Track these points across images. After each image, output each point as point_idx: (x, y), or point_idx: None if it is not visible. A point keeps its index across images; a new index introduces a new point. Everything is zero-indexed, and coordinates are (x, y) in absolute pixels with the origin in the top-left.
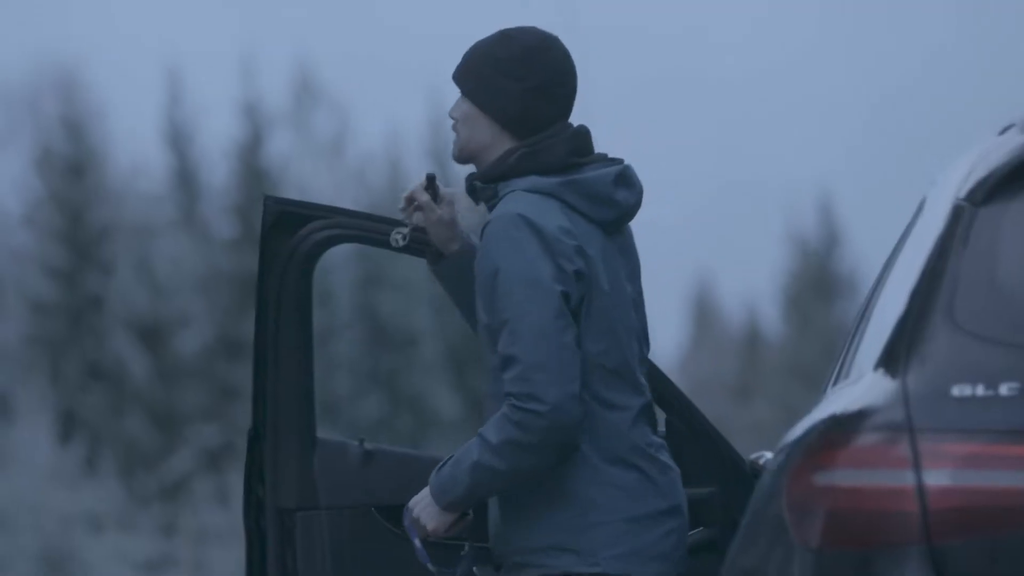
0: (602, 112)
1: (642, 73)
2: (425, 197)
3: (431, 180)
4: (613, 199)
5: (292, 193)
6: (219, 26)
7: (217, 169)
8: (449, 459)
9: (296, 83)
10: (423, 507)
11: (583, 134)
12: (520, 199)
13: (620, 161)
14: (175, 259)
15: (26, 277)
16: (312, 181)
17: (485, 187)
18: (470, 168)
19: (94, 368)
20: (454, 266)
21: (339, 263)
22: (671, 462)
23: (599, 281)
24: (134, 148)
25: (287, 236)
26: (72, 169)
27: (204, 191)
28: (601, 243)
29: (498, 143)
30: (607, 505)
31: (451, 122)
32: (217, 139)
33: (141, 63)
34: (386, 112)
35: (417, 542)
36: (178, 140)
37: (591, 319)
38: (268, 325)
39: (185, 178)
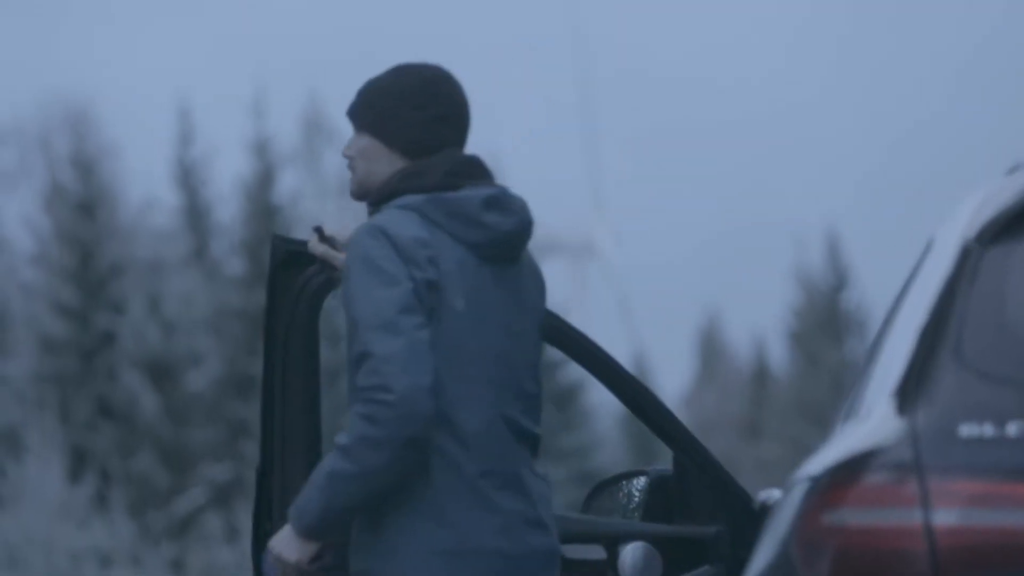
0: (616, 154)
1: (655, 116)
2: (321, 248)
3: (320, 232)
4: (480, 220)
5: (302, 231)
6: (230, 64)
7: (227, 207)
8: None
9: (306, 121)
10: (283, 540)
11: (469, 159)
12: (384, 214)
13: (500, 186)
14: (185, 296)
15: (37, 314)
16: (322, 219)
17: (374, 210)
18: None
19: (104, 405)
20: None
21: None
22: (520, 500)
23: (450, 298)
24: (145, 186)
25: (295, 275)
26: (83, 206)
27: (214, 229)
28: (467, 264)
29: (392, 169)
30: (422, 535)
31: (350, 161)
32: (227, 177)
33: (152, 101)
34: None
35: None
36: (188, 178)
37: (438, 335)
38: (276, 363)
39: (195, 216)
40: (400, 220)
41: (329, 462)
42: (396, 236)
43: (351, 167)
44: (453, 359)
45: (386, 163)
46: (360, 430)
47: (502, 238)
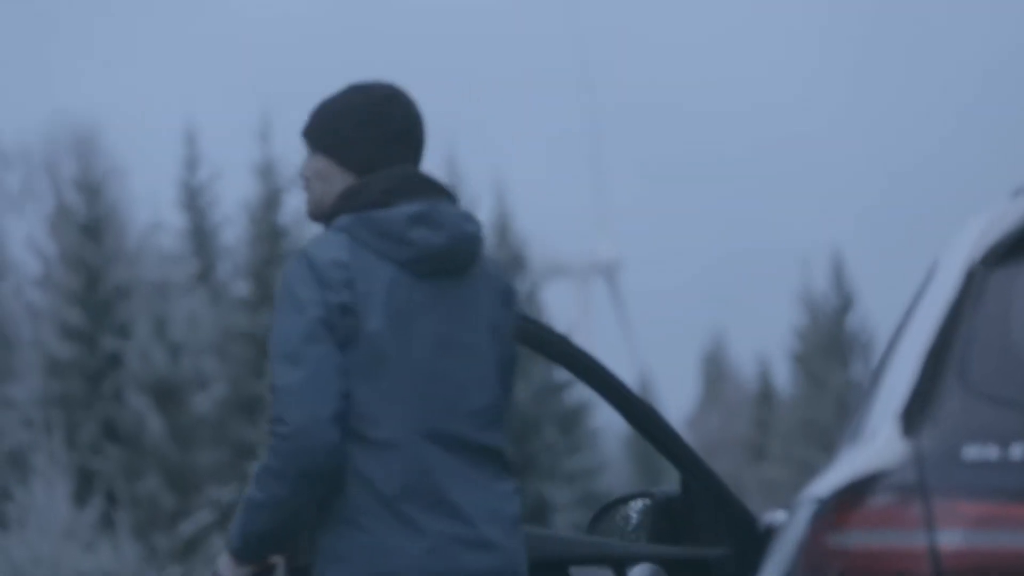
0: (625, 182)
1: (664, 145)
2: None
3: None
4: (406, 237)
5: None
6: (235, 87)
7: (233, 229)
8: None
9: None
10: (223, 564)
11: (408, 175)
12: (314, 237)
13: (432, 202)
14: (191, 319)
15: (43, 337)
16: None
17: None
18: None
19: (110, 427)
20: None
21: None
22: (453, 520)
23: (369, 319)
24: (150, 208)
25: None
26: (89, 229)
27: (220, 251)
28: (399, 282)
29: (340, 186)
30: (346, 558)
31: (306, 182)
32: (233, 199)
33: (158, 124)
34: None
35: None
36: (194, 200)
37: (356, 356)
38: None
39: (201, 238)
40: (324, 243)
41: (248, 489)
42: (314, 259)
43: (307, 188)
44: (373, 379)
45: (340, 183)
46: (264, 460)
47: (431, 254)
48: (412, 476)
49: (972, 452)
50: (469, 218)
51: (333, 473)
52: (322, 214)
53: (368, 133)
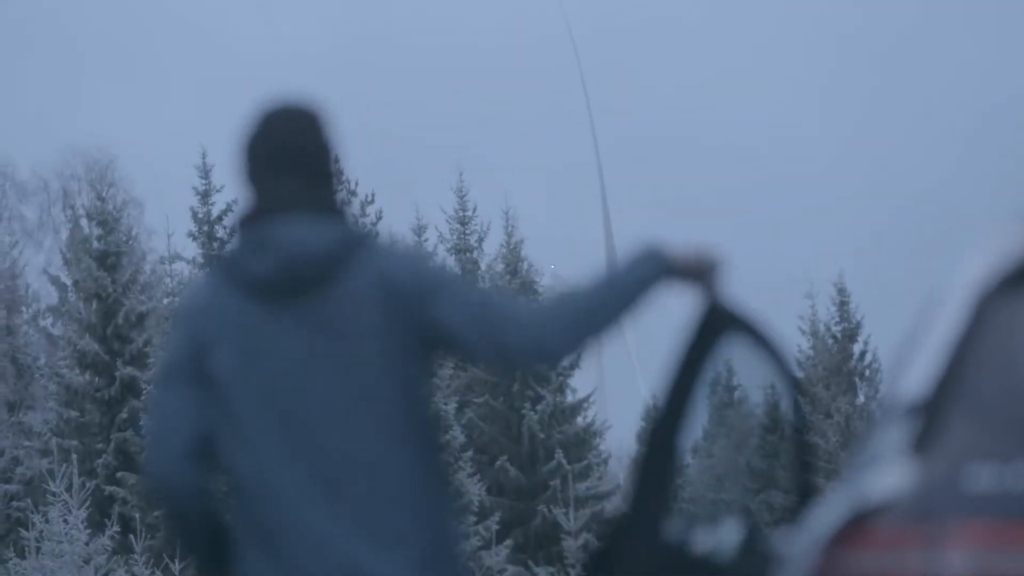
0: (634, 214)
1: (674, 178)
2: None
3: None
4: (239, 266)
5: None
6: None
7: None
8: None
9: None
10: None
11: (268, 196)
12: (194, 277)
13: (280, 223)
14: None
15: (59, 366)
16: None
17: None
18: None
19: (126, 455)
20: None
21: None
22: (308, 557)
23: (219, 354)
24: (165, 239)
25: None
26: (104, 259)
27: None
28: (246, 313)
29: None
30: None
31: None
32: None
33: (173, 156)
34: (413, 200)
35: None
36: (209, 229)
37: (214, 391)
38: None
39: None
40: (193, 284)
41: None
42: (182, 303)
43: None
44: (230, 414)
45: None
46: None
47: (261, 280)
48: (270, 511)
49: (979, 476)
50: (313, 234)
51: (201, 510)
52: None
53: (245, 152)
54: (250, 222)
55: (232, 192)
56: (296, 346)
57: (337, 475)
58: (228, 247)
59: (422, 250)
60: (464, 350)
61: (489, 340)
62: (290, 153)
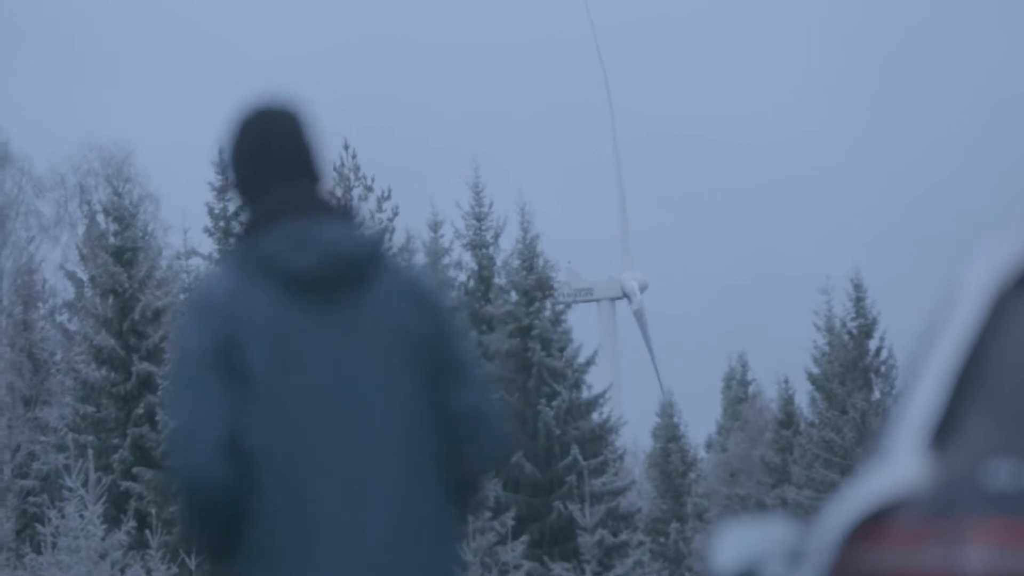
0: (646, 210)
1: (686, 175)
2: None
3: None
4: (279, 261)
5: None
6: None
7: None
8: None
9: (337, 168)
10: None
11: (286, 195)
12: (208, 271)
13: (308, 222)
14: None
15: (75, 361)
16: None
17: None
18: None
19: (142, 450)
20: None
21: None
22: (340, 559)
23: (252, 348)
24: (182, 233)
25: None
26: (121, 255)
27: None
28: (280, 308)
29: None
30: None
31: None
32: None
33: (188, 151)
34: (429, 196)
35: None
36: (225, 225)
37: (247, 387)
38: None
39: None
40: (211, 278)
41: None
42: (201, 297)
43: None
44: (265, 409)
45: (236, 204)
46: (177, 502)
47: (304, 275)
48: (305, 507)
49: (995, 471)
50: (348, 235)
51: (229, 506)
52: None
53: (240, 153)
54: (271, 221)
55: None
56: (332, 344)
57: (364, 475)
58: (260, 243)
59: (436, 278)
60: (450, 430)
61: (472, 446)
62: (295, 155)
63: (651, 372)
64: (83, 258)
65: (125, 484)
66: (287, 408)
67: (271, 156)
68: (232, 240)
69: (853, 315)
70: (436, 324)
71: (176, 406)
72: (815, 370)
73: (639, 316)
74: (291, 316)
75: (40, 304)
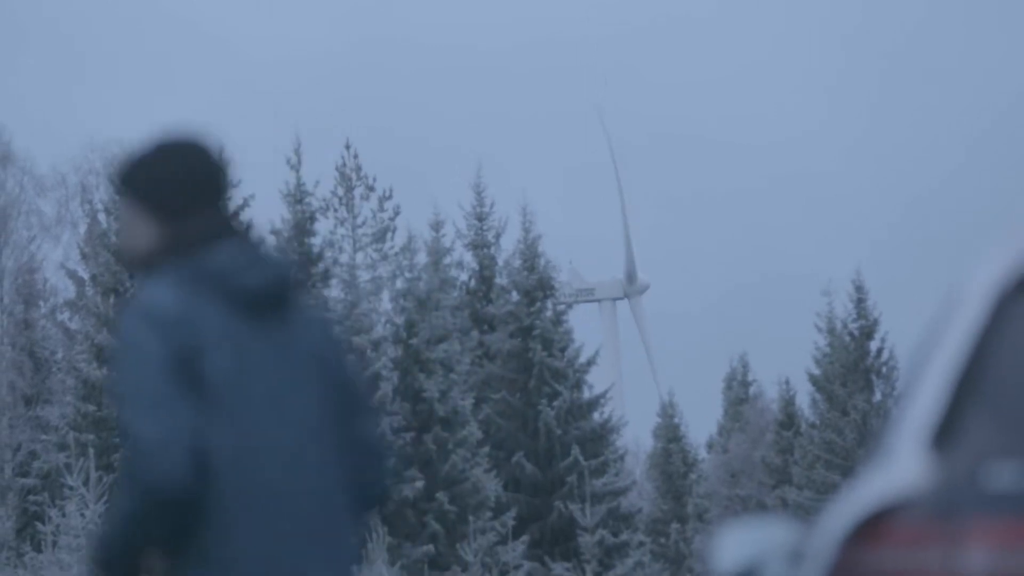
0: (654, 213)
1: (690, 176)
2: None
3: None
4: (233, 279)
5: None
6: (267, 114)
7: None
8: None
9: (339, 168)
10: None
11: (221, 220)
12: (144, 287)
13: (247, 245)
14: None
15: (76, 359)
16: (358, 267)
17: (141, 278)
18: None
19: None
20: None
21: (380, 345)
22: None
23: (212, 359)
24: None
25: None
26: (120, 253)
27: None
28: (230, 324)
29: (154, 234)
30: None
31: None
32: (264, 225)
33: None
34: (431, 199)
35: None
36: None
37: (206, 396)
38: None
39: None
40: (156, 290)
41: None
42: (151, 308)
43: (122, 235)
44: (224, 416)
45: (148, 229)
46: (122, 503)
47: (257, 294)
48: (263, 516)
49: (996, 473)
50: (281, 259)
51: (189, 513)
52: (139, 260)
53: (176, 181)
54: (206, 242)
55: (247, 188)
56: (276, 360)
57: (317, 487)
58: (208, 260)
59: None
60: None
61: (366, 477)
62: (213, 184)
63: (652, 373)
64: (84, 257)
65: None
66: (247, 417)
67: (197, 183)
68: (168, 257)
69: (854, 316)
70: (340, 353)
71: (140, 414)
72: (816, 371)
73: (636, 307)
74: (239, 330)
75: (41, 303)
